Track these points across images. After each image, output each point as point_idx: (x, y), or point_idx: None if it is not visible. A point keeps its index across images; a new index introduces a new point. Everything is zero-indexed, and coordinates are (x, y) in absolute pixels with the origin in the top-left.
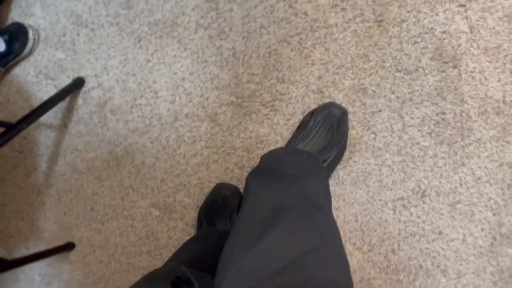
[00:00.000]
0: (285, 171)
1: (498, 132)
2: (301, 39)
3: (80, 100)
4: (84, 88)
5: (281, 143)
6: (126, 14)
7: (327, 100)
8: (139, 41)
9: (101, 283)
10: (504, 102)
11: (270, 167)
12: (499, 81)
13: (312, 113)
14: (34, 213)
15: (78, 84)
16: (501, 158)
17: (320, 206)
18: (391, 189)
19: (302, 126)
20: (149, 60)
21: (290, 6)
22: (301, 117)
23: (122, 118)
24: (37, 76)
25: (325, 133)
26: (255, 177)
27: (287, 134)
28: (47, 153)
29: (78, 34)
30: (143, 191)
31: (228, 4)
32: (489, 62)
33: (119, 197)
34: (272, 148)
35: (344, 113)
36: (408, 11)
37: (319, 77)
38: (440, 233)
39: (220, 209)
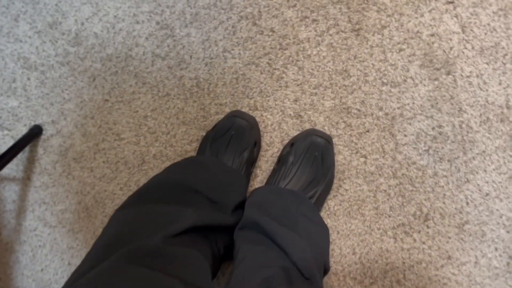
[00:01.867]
0: (268, 226)
1: (504, 141)
2: (270, 59)
3: (40, 150)
4: (43, 136)
5: (260, 177)
6: (76, 51)
7: (307, 126)
8: (94, 79)
9: None
10: (508, 107)
11: (253, 220)
12: (500, 84)
13: (292, 144)
14: (11, 272)
15: (35, 132)
16: (510, 169)
17: (310, 275)
18: (389, 216)
19: (282, 160)
20: (106, 100)
21: (254, 24)
22: (280, 146)
23: (86, 166)
24: None
25: (309, 167)
26: (241, 232)
27: (267, 167)
28: (14, 209)
29: (28, 79)
30: None
31: (185, 28)
32: (487, 63)
33: None
34: (251, 183)
35: (327, 141)
36: (388, 15)
37: (296, 100)
38: (449, 257)
39: (231, 140)
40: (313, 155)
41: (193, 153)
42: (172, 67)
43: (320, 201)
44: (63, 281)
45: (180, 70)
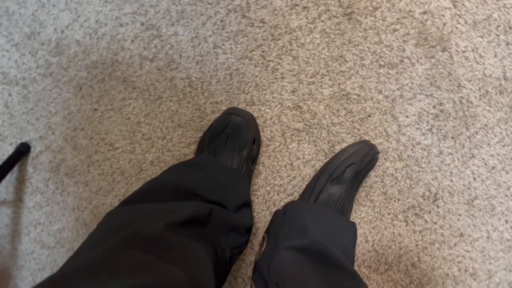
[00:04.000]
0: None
1: (505, 113)
2: (263, 51)
3: (30, 168)
4: (32, 154)
5: (264, 174)
6: (59, 61)
7: (307, 116)
8: (80, 89)
9: None
10: (506, 79)
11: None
12: (495, 56)
13: (351, 164)
14: None
15: (23, 151)
16: None
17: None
18: (398, 200)
19: (340, 179)
20: (96, 109)
21: (244, 16)
22: (281, 140)
23: (81, 180)
24: None
25: (348, 193)
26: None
27: (269, 162)
28: (8, 233)
29: (10, 95)
30: None
31: (171, 27)
32: (481, 37)
33: None
34: (256, 180)
35: (376, 152)
36: None
37: (293, 91)
38: (462, 235)
39: (228, 139)
40: (358, 181)
41: (192, 156)
42: (162, 69)
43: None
44: None
45: (170, 71)
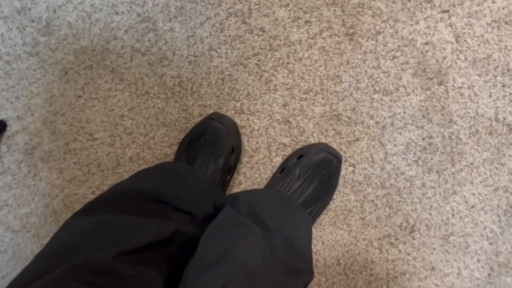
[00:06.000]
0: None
1: (492, 153)
2: (259, 60)
3: (3, 147)
4: (7, 133)
5: (244, 184)
6: (47, 41)
7: (295, 132)
8: (66, 73)
9: None
10: (497, 120)
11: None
12: (490, 96)
13: (301, 156)
14: None
15: None
16: (496, 182)
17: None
18: (375, 227)
19: (287, 171)
20: (79, 96)
21: (244, 22)
22: (266, 152)
23: (55, 166)
24: None
25: (314, 183)
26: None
27: (251, 174)
28: None
29: None
30: None
31: (168, 22)
32: (479, 75)
33: None
34: (235, 190)
35: (339, 161)
36: (383, 21)
37: (284, 105)
38: (433, 269)
39: (206, 145)
40: (321, 172)
41: (173, 157)
42: (153, 64)
43: (314, 218)
44: None
45: (161, 67)
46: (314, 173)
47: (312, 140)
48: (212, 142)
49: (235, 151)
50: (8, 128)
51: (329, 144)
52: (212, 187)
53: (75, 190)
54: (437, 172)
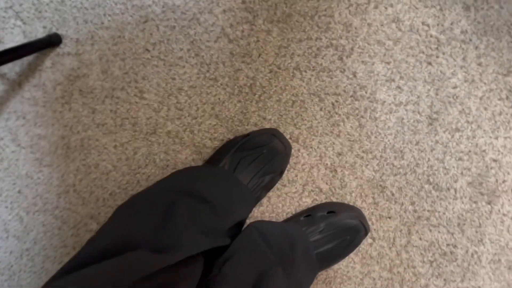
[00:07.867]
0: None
1: (502, 286)
2: (337, 101)
3: (48, 62)
4: (58, 50)
5: (264, 207)
6: None
7: (337, 183)
8: (145, 21)
9: None
10: None
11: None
12: None
13: (331, 212)
14: None
15: (52, 42)
16: None
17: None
18: None
19: (311, 220)
20: (148, 50)
21: (340, 58)
22: (301, 189)
23: (90, 104)
24: (5, 11)
25: (333, 243)
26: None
27: (276, 201)
28: None
29: None
30: (85, 196)
31: (269, 24)
32: None
33: (55, 191)
34: (260, 217)
35: (365, 233)
36: (467, 122)
37: (339, 154)
38: None
39: (259, 158)
40: (344, 236)
41: (210, 151)
42: (235, 55)
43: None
44: (3, 206)
45: (241, 62)
46: (337, 234)
47: (348, 198)
48: (267, 158)
49: (280, 174)
50: (61, 46)
51: (363, 210)
52: (251, 198)
53: (98, 137)
54: (445, 280)
